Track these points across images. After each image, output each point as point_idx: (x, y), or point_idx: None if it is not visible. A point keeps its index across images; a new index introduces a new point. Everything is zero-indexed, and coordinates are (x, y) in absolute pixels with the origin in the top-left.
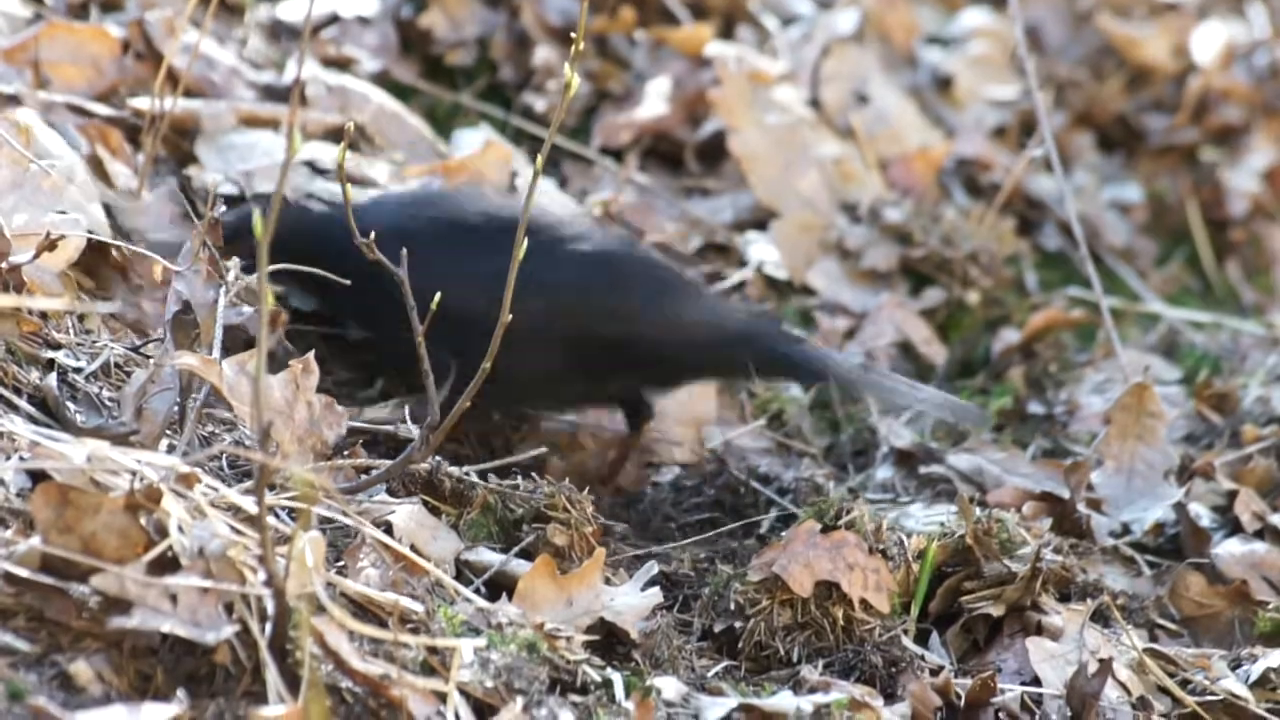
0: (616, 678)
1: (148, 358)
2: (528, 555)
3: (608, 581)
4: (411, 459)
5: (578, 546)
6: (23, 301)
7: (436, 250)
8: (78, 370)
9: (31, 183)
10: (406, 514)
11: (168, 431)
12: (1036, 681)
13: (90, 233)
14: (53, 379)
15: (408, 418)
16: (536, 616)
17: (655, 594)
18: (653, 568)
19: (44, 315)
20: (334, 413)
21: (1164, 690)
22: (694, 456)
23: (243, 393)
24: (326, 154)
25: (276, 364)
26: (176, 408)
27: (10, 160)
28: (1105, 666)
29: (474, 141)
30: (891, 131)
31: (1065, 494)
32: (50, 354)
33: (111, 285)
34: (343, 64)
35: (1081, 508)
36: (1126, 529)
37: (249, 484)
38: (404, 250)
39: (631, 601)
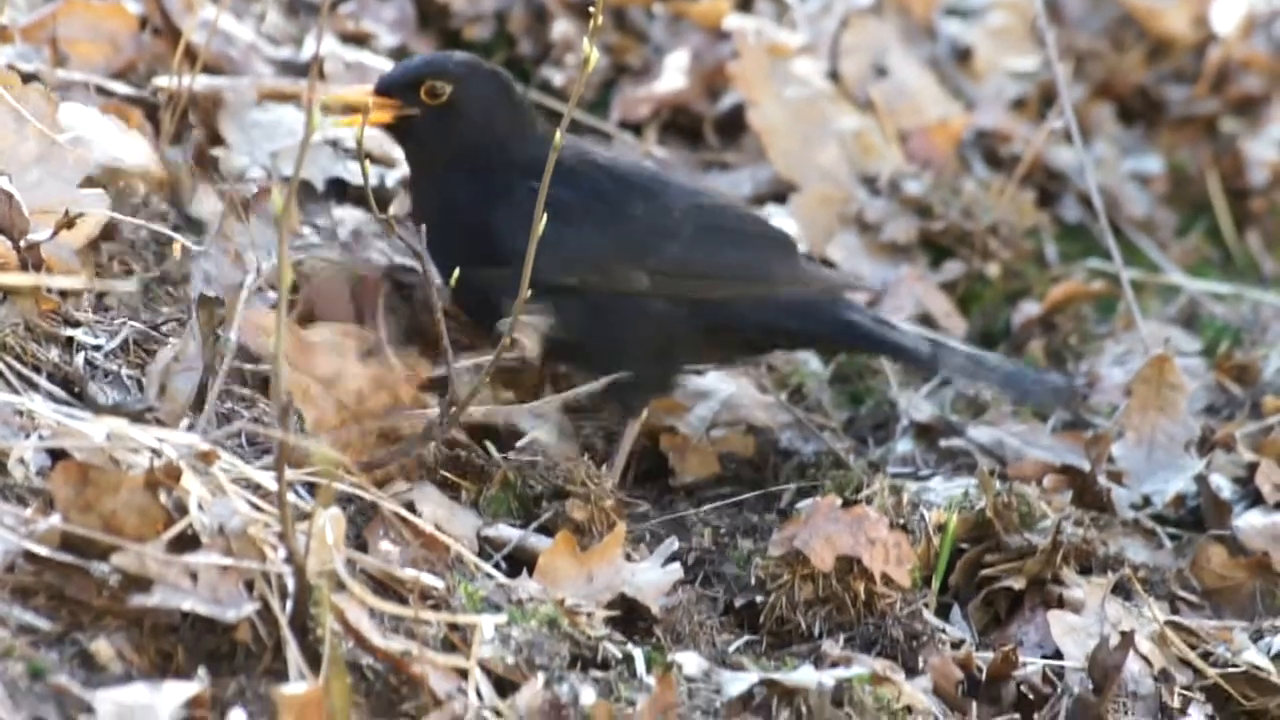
0: (638, 653)
1: (166, 336)
2: (547, 531)
3: (628, 557)
4: (432, 434)
5: (598, 521)
6: (41, 280)
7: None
8: (96, 348)
9: (57, 157)
10: (427, 490)
11: (187, 411)
12: (1058, 654)
13: (111, 211)
14: (80, 360)
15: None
16: (557, 592)
17: (676, 569)
18: (673, 543)
19: (63, 293)
20: (383, 384)
21: (1186, 662)
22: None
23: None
24: (348, 132)
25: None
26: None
27: (36, 134)
28: (1127, 639)
29: None
30: (911, 104)
31: (1086, 467)
32: (69, 332)
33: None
34: (361, 39)
35: (1102, 480)
36: (1147, 501)
37: (268, 460)
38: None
39: (652, 577)
